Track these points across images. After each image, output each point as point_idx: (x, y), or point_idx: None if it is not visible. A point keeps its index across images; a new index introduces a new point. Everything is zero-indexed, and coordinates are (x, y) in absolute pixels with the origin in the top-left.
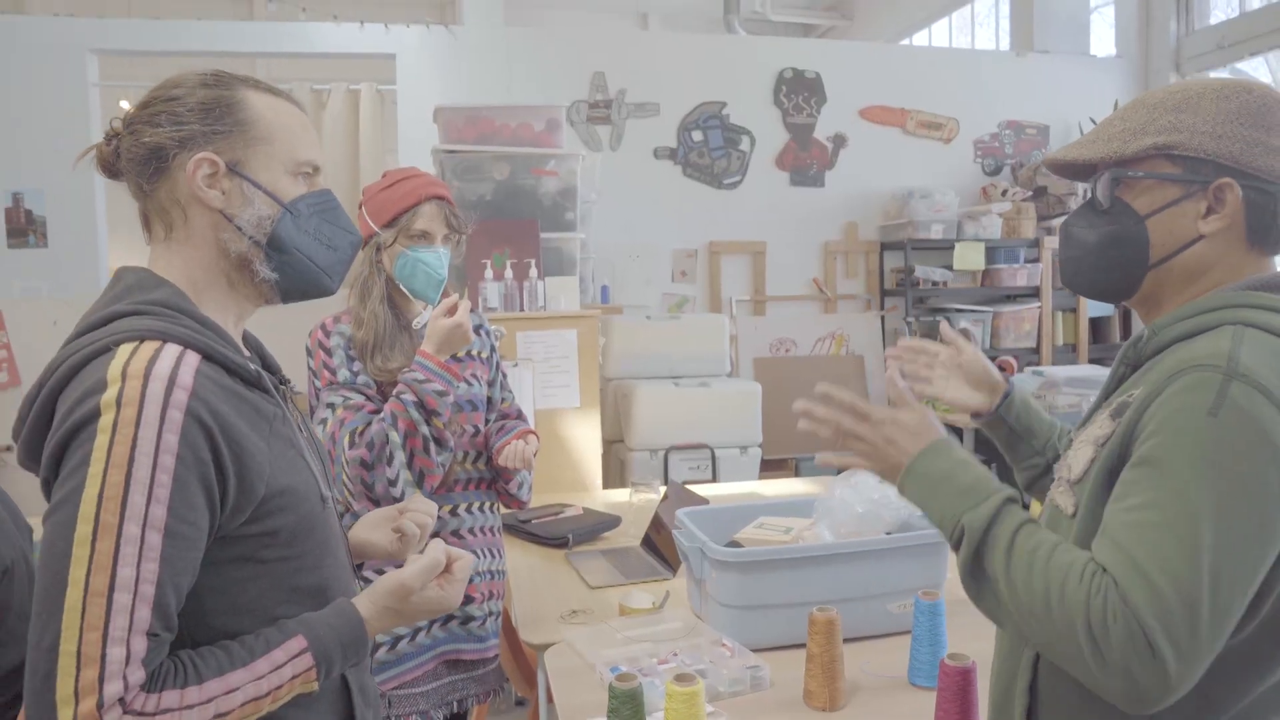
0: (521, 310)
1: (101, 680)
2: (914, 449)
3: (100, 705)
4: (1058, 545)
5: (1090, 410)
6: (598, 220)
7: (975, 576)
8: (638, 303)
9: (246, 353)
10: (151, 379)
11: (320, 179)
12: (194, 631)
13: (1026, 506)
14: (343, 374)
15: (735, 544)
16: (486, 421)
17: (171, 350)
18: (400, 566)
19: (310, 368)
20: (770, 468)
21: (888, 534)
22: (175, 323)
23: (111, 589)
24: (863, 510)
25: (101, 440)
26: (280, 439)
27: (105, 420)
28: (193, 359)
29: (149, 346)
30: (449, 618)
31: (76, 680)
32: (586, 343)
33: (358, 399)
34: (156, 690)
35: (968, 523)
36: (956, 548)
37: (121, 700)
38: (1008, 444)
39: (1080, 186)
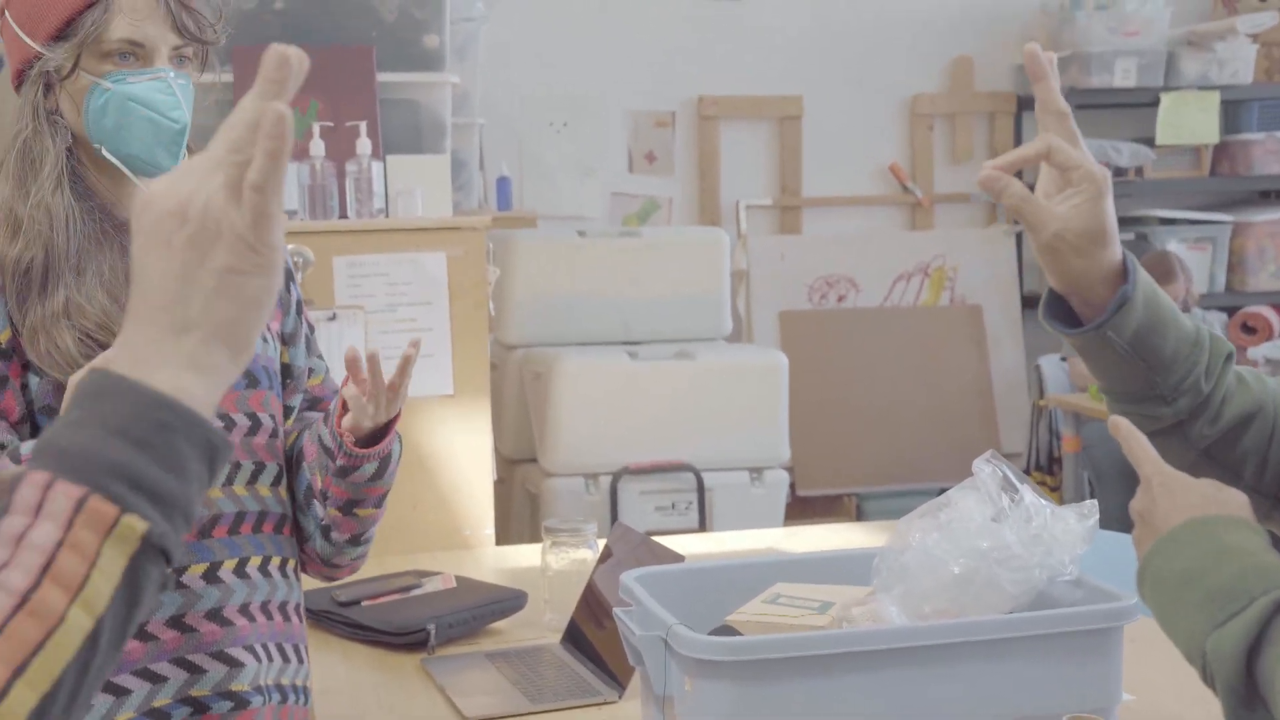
0: (343, 217)
1: None
2: (1164, 527)
3: None
4: None
5: None
6: (490, 55)
7: None
8: (565, 210)
9: None
10: None
11: None
12: None
13: None
14: None
15: (729, 630)
16: (288, 412)
17: None
18: None
19: None
20: (807, 509)
21: (1009, 613)
22: None
23: None
24: (962, 570)
25: None
26: None
27: None
28: None
29: None
30: None
31: None
32: (466, 279)
33: None
34: None
35: (1214, 651)
36: (1213, 688)
37: None
38: (1116, 376)
39: None
